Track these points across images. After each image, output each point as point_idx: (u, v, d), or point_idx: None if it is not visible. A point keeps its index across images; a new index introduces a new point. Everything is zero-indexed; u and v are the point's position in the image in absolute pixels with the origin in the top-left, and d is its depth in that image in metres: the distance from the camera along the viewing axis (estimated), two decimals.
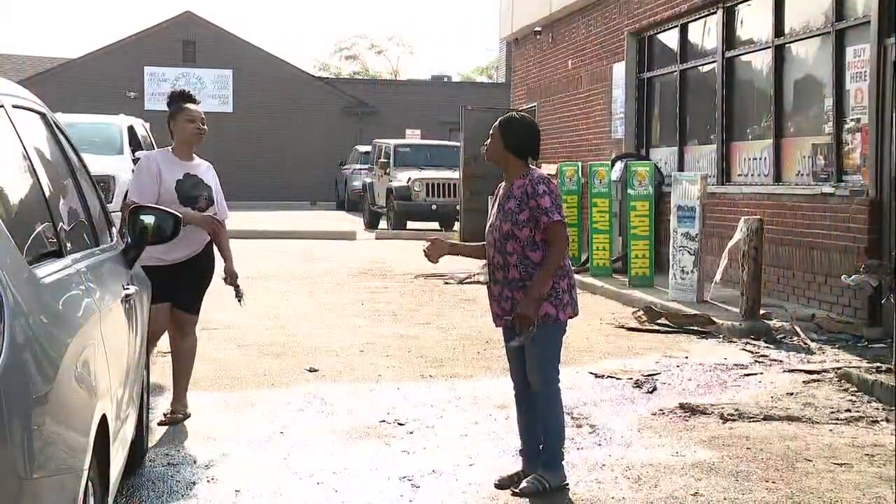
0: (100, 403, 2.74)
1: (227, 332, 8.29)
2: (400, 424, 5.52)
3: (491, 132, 4.50)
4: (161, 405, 5.82)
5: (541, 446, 4.54)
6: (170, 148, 5.56)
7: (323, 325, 8.88)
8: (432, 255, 4.54)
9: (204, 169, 5.57)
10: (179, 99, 5.56)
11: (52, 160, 3.33)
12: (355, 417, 5.67)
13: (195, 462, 4.80)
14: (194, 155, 5.56)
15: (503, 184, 4.55)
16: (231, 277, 5.60)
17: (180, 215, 4.23)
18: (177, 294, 5.41)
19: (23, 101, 3.18)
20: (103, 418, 2.78)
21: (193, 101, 5.57)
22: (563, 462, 4.48)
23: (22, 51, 42.35)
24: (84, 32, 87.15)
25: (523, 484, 4.38)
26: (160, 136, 23.83)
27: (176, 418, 5.45)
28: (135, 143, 15.28)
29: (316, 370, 6.90)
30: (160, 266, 5.21)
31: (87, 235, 3.53)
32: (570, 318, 4.44)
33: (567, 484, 4.44)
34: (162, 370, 6.71)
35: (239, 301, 5.60)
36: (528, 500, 4.31)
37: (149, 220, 4.09)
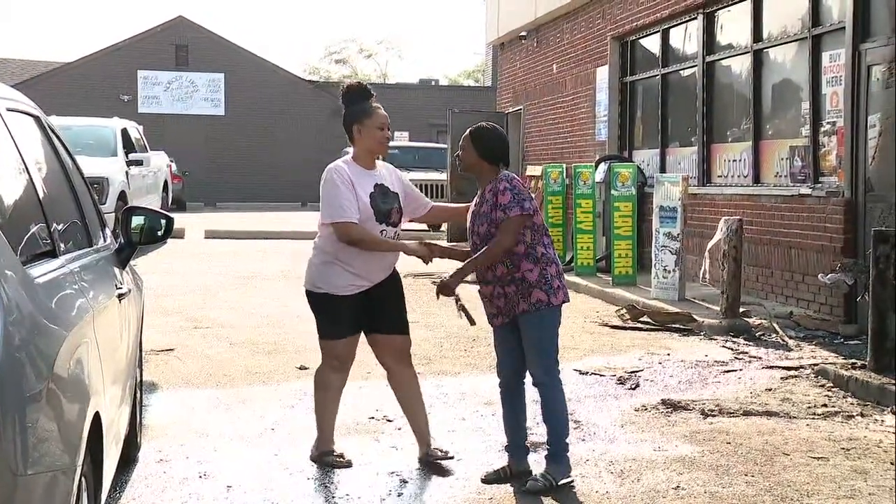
0: (93, 401, 2.72)
1: (219, 331, 8.27)
2: (388, 421, 5.52)
3: (461, 143, 4.51)
4: (154, 403, 5.80)
5: (527, 441, 4.55)
6: (349, 156, 4.66)
7: (313, 323, 8.85)
8: (427, 257, 4.57)
9: (387, 173, 4.69)
10: (364, 97, 4.59)
11: (46, 162, 3.32)
12: (345, 414, 5.63)
13: (187, 458, 4.79)
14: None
15: (479, 191, 4.59)
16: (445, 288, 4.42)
17: (172, 217, 4.20)
18: (379, 320, 4.66)
19: (17, 105, 3.16)
20: (97, 415, 2.77)
21: (371, 95, 4.65)
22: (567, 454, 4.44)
23: (17, 55, 42.13)
24: (78, 37, 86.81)
25: (529, 483, 4.34)
26: (153, 138, 23.59)
27: (445, 454, 4.70)
28: (128, 146, 15.24)
29: (306, 368, 6.87)
30: (358, 292, 4.57)
31: (80, 236, 3.51)
32: (563, 302, 4.45)
33: (573, 480, 4.40)
34: (156, 367, 6.70)
35: (469, 320, 4.57)
36: (513, 496, 4.31)
37: (141, 221, 4.07)
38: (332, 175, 4.53)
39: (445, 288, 4.40)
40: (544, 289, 4.37)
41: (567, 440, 4.45)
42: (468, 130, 4.54)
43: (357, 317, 4.64)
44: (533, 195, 12.28)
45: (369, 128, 4.57)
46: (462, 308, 4.55)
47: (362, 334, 4.78)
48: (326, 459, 4.69)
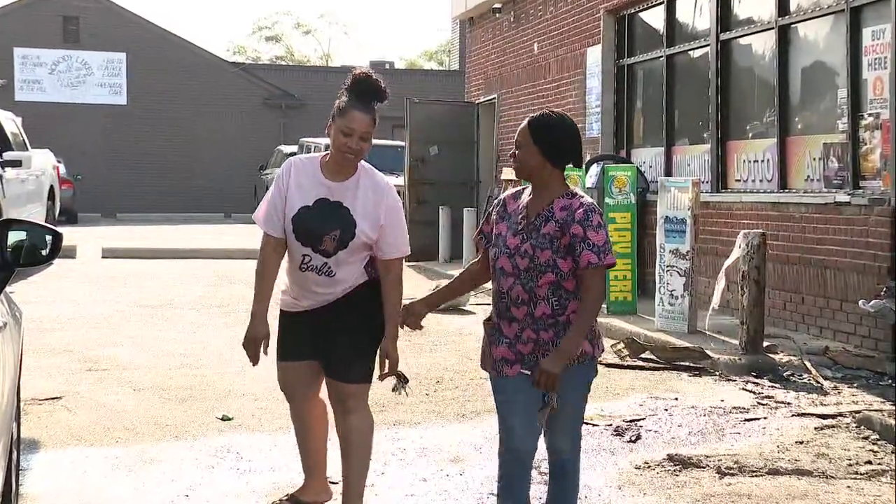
0: None
1: (119, 374, 8.21)
2: (332, 483, 5.49)
3: (518, 139, 4.13)
4: (35, 466, 5.74)
5: None
6: (323, 156, 4.69)
7: (239, 363, 8.80)
8: (413, 324, 4.42)
9: (362, 193, 4.58)
10: (354, 95, 4.55)
11: None
12: (278, 475, 5.64)
13: None
14: (360, 167, 4.62)
15: (516, 197, 4.25)
16: (389, 360, 4.60)
17: (60, 231, 4.16)
18: (325, 356, 4.68)
19: None
20: None
21: (378, 97, 4.57)
22: None
23: None
24: None
25: None
26: (35, 133, 23.32)
27: None
28: (3, 143, 15.10)
29: (230, 418, 6.85)
30: (295, 311, 4.71)
31: None
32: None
33: None
34: (38, 421, 6.63)
35: (400, 391, 4.69)
36: None
37: (20, 236, 4.03)
38: (279, 170, 4.73)
39: (553, 379, 3.99)
40: (589, 337, 4.08)
41: None
42: (527, 121, 4.15)
43: (296, 341, 4.74)
44: None
45: (334, 129, 4.52)
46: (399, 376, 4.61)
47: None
48: None
